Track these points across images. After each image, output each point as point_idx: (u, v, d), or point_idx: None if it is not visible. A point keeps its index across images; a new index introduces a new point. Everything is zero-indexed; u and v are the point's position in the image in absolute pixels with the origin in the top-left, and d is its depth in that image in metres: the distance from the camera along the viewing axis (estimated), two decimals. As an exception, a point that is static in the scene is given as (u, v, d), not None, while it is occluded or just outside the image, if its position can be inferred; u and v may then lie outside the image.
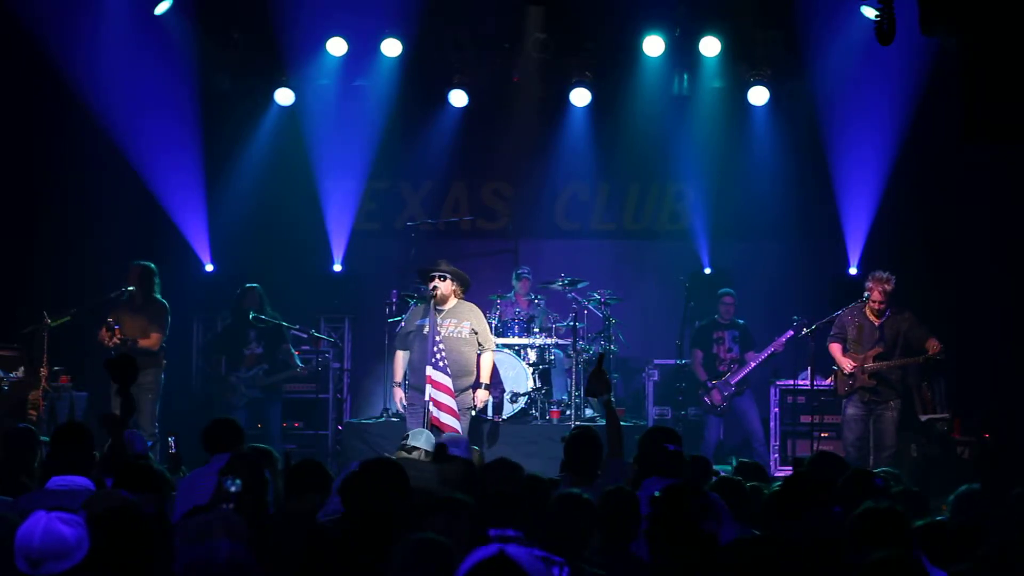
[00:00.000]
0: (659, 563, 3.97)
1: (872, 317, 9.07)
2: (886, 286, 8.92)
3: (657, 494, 4.06)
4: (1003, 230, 10.41)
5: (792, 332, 9.81)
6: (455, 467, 5.97)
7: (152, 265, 9.53)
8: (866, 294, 9.06)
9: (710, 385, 10.27)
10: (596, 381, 5.70)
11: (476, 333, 8.79)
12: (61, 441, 5.08)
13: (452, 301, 8.83)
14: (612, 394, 5.77)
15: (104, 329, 9.11)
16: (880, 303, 8.97)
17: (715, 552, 3.82)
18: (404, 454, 6.78)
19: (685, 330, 10.50)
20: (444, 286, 8.76)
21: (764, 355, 10.15)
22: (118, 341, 9.07)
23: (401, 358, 8.93)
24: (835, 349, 9.17)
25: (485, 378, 8.88)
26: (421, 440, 6.84)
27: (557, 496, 4.32)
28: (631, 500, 4.47)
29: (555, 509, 4.21)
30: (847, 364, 9.02)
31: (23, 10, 9.74)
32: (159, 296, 9.53)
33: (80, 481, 4.81)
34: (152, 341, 9.37)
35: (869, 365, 8.97)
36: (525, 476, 5.12)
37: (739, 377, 10.24)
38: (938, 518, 4.79)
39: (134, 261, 9.51)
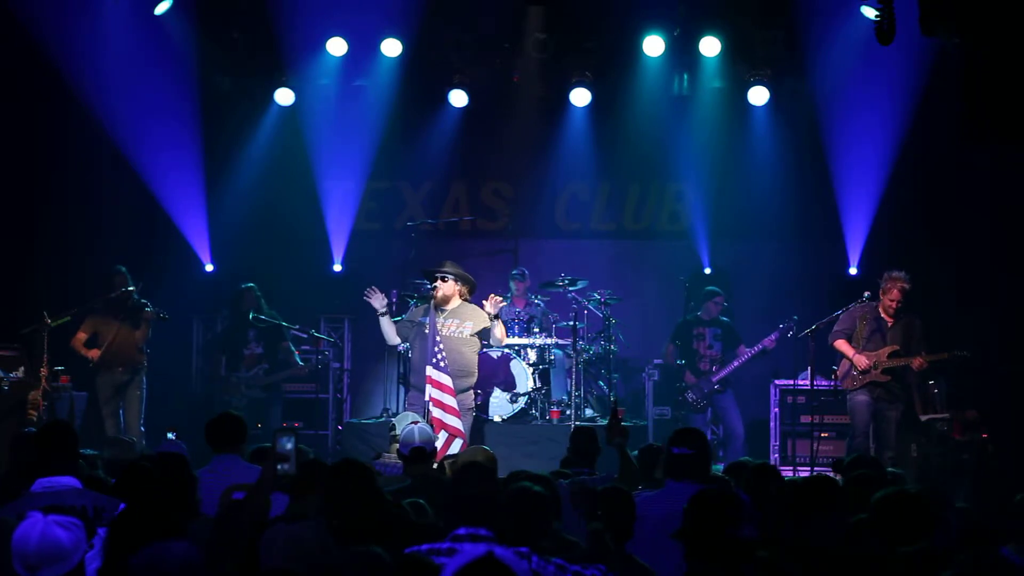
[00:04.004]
0: (694, 573, 3.79)
1: (886, 316, 9.03)
2: (904, 285, 8.90)
3: (686, 505, 3.90)
4: (1003, 230, 10.41)
5: (777, 334, 9.88)
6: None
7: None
8: (865, 293, 9.06)
9: (687, 371, 10.25)
10: (613, 431, 5.71)
11: (477, 335, 8.76)
12: (46, 442, 5.01)
13: (455, 302, 8.80)
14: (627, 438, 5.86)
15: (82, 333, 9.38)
16: (899, 302, 8.93)
17: (752, 559, 3.72)
18: (388, 455, 6.79)
19: (685, 330, 10.51)
20: (445, 287, 8.74)
21: (748, 355, 10.15)
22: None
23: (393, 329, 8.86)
24: (844, 345, 9.06)
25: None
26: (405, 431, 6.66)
27: (509, 490, 4.27)
28: (628, 500, 4.48)
29: (508, 503, 4.16)
30: (862, 360, 8.96)
31: (23, 10, 9.74)
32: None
33: (66, 481, 4.77)
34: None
35: (884, 362, 8.94)
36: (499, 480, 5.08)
37: (721, 375, 10.23)
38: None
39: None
